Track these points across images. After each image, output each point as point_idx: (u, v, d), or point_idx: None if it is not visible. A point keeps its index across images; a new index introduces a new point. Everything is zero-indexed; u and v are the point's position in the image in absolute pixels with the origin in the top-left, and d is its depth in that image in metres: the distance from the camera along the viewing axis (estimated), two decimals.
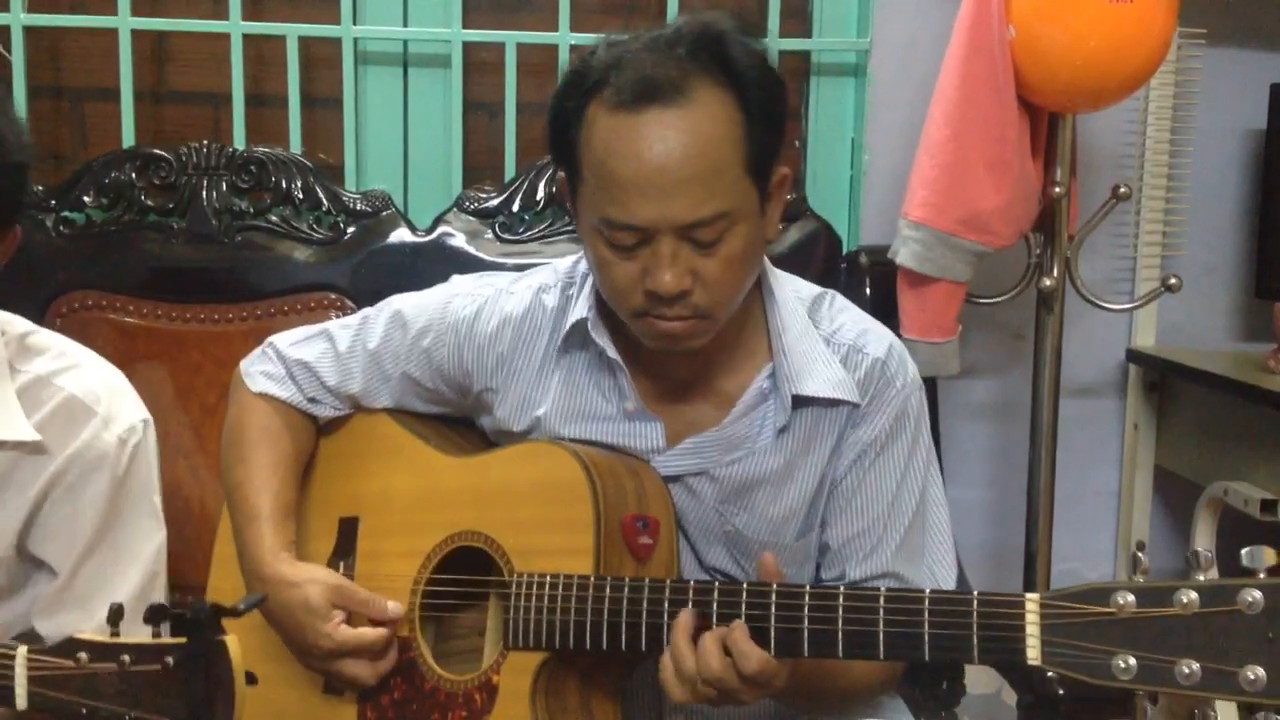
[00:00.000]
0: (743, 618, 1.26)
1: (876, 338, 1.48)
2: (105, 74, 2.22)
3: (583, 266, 1.51)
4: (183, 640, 1.13)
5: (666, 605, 1.31)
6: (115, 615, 1.19)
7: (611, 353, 1.45)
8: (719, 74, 1.32)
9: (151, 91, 2.27)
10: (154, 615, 1.17)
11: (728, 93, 1.32)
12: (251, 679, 1.14)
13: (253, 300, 2.11)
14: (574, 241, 2.13)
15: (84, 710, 1.16)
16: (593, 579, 1.35)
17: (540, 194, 2.18)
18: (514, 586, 1.40)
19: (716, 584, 1.30)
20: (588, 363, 1.49)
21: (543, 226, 2.17)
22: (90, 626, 1.45)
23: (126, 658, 1.15)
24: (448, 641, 1.52)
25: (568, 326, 1.47)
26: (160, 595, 1.54)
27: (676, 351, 1.40)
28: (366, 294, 2.06)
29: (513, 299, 1.53)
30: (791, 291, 1.50)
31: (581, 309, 1.46)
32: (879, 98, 2.33)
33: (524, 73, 2.26)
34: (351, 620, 1.46)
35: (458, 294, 1.56)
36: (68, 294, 2.08)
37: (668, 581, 1.33)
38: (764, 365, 1.46)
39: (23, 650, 1.20)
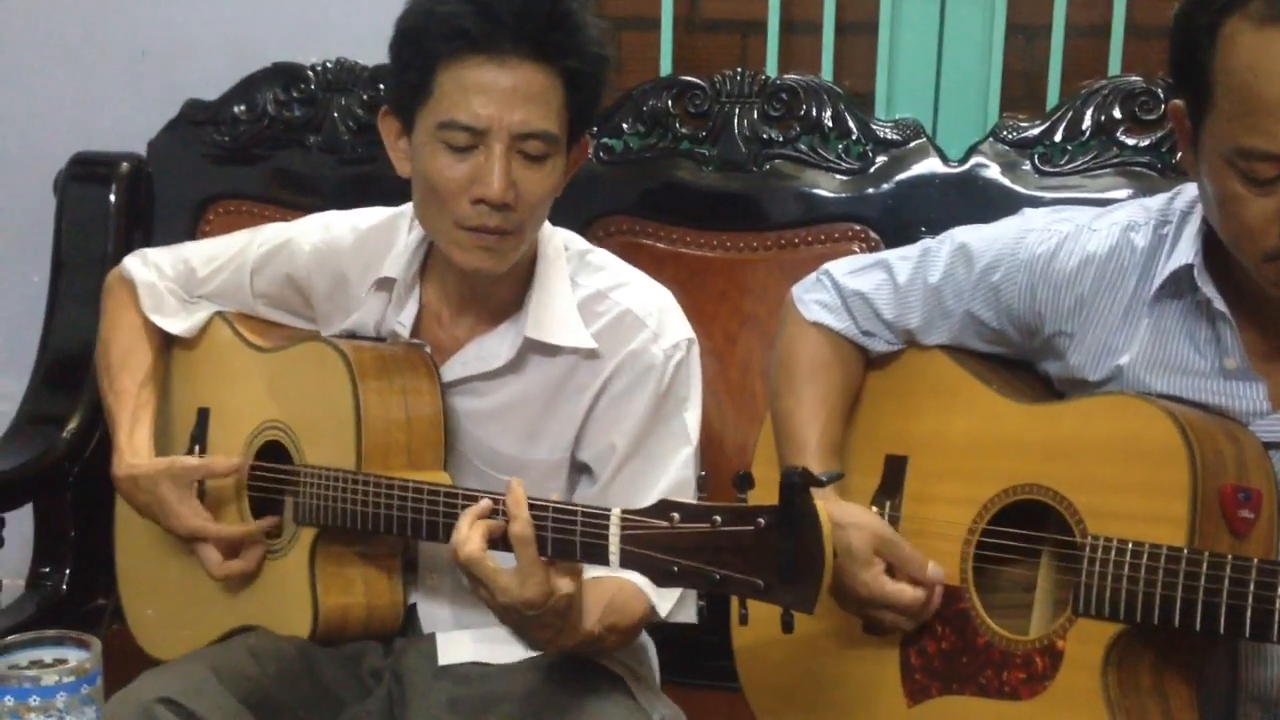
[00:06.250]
0: None
1: None
2: (644, 2, 2.26)
3: (1178, 204, 1.38)
4: (774, 505, 1.12)
5: None
6: (702, 482, 1.23)
7: (1219, 304, 1.31)
8: None
9: (685, 19, 2.30)
10: (740, 482, 1.19)
11: None
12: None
13: (777, 229, 2.09)
14: (1120, 175, 1.96)
15: (675, 568, 1.17)
16: (1186, 552, 1.23)
17: (1087, 123, 2.00)
18: (1087, 550, 1.30)
19: None
20: (1181, 311, 1.36)
21: (1087, 158, 2.00)
22: None
23: (718, 518, 1.15)
24: (988, 594, 1.44)
25: (1166, 271, 1.35)
26: None
27: None
28: (892, 227, 2.00)
29: (1096, 236, 1.41)
30: None
31: (1185, 253, 1.33)
32: None
33: None
34: (891, 573, 1.42)
35: (1032, 229, 1.46)
36: (604, 218, 2.14)
37: None
38: None
39: (617, 511, 1.24)
